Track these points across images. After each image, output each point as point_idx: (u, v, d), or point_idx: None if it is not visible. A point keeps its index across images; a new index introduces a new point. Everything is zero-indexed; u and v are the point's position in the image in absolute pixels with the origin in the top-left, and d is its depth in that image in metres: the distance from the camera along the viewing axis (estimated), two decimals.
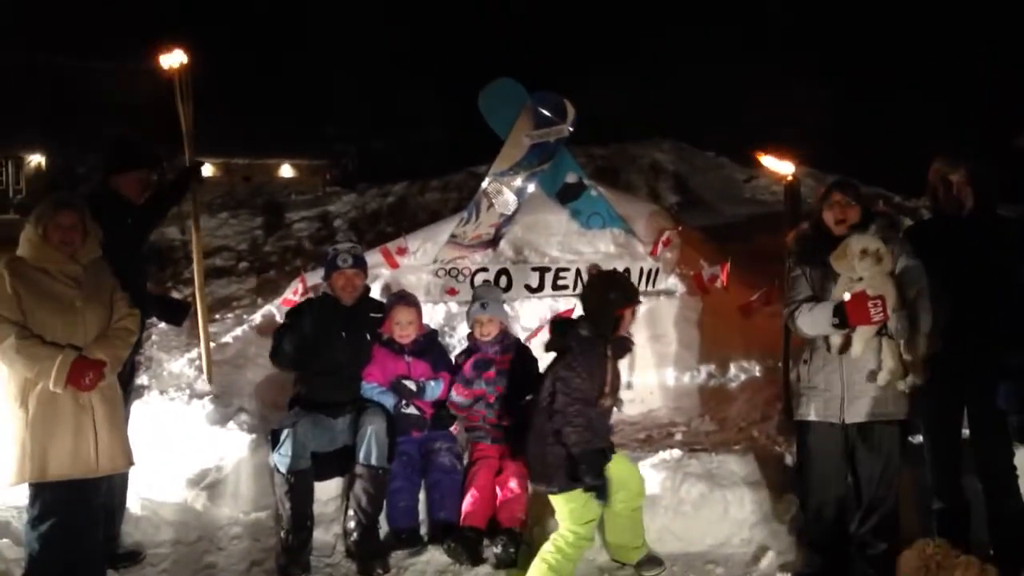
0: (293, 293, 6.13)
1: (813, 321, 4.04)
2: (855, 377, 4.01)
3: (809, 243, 4.19)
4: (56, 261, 3.93)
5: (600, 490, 3.93)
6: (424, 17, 28.30)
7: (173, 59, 5.65)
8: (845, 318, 3.90)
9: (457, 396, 5.00)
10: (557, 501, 4.05)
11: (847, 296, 3.90)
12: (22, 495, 4.34)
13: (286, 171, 34.95)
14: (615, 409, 4.34)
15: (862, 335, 3.90)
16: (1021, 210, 4.26)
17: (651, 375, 5.74)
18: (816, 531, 4.27)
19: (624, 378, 4.98)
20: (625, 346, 4.26)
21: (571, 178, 6.53)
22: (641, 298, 5.24)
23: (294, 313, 5.14)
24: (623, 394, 4.67)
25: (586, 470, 3.87)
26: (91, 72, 29.36)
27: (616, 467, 4.23)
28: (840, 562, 4.23)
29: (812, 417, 4.13)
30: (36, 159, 31.41)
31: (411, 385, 4.94)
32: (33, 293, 3.85)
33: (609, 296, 4.13)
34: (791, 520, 4.51)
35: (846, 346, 3.98)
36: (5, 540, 4.31)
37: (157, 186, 5.43)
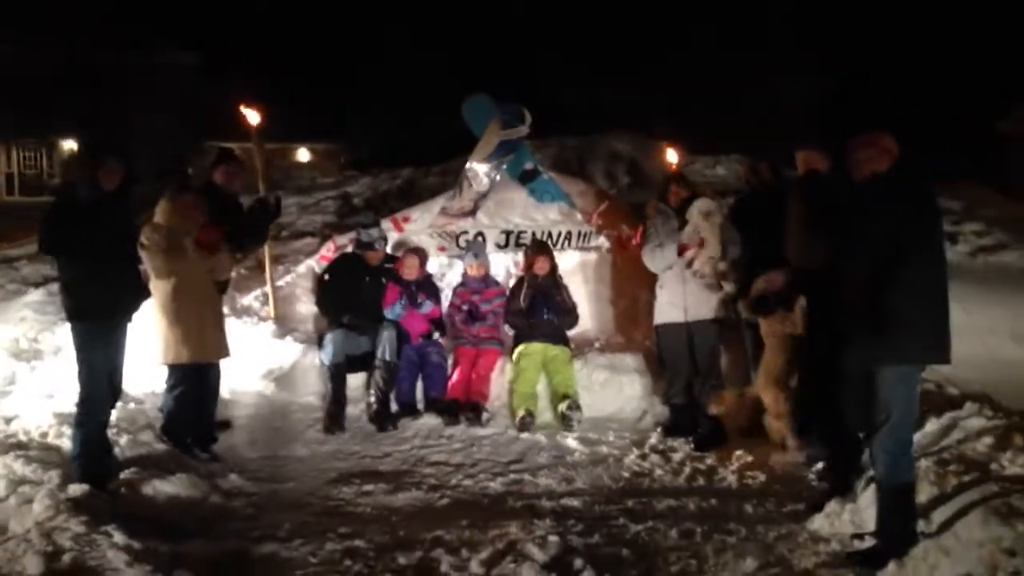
0: (327, 250, 8.25)
1: (661, 257, 6.31)
2: (690, 291, 6.26)
3: (660, 210, 6.46)
4: (181, 224, 5.91)
5: None
6: (434, 24, 30.43)
7: (254, 117, 7.64)
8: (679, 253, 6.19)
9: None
10: None
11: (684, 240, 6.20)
12: (152, 380, 6.55)
13: (303, 155, 36.64)
14: None
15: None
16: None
17: (583, 307, 7.75)
18: (673, 397, 6.52)
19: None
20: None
21: (528, 166, 8.44)
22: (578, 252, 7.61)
23: (329, 271, 7.38)
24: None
25: None
26: (122, 65, 31.05)
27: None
28: (690, 417, 6.47)
29: (665, 321, 6.39)
30: (69, 145, 32.78)
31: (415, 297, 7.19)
32: (167, 244, 5.84)
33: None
34: (662, 394, 6.75)
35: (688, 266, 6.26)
36: (147, 404, 6.49)
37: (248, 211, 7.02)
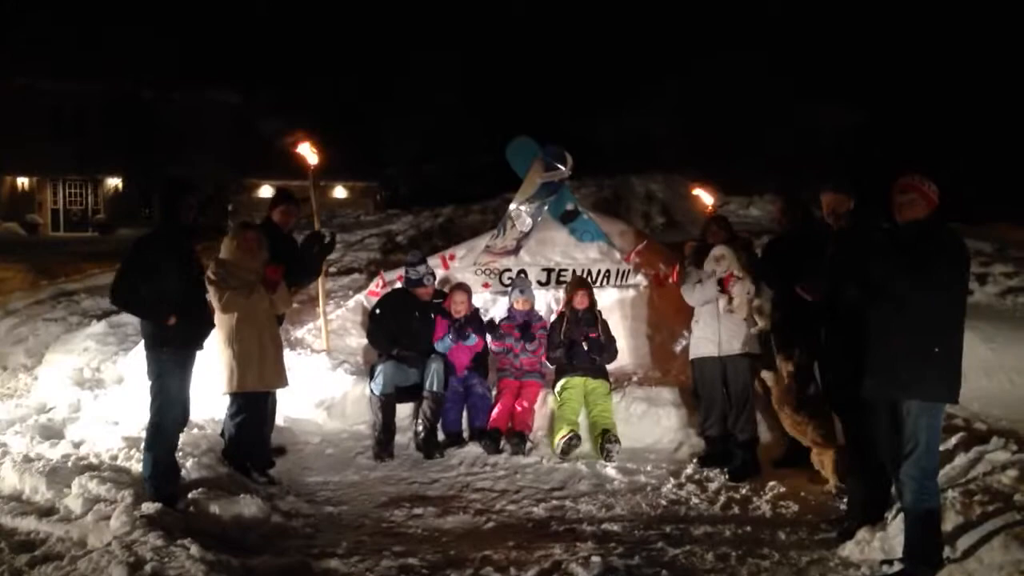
0: (375, 286, 8.67)
1: (701, 292, 6.62)
2: (724, 327, 6.55)
3: (698, 250, 6.79)
4: (244, 260, 6.33)
5: None
6: (474, 59, 31.15)
7: (312, 157, 8.16)
8: (722, 288, 6.48)
9: (494, 347, 7.68)
10: None
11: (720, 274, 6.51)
12: (212, 407, 6.92)
13: (339, 192, 37.25)
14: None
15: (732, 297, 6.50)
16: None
17: (622, 342, 8.02)
18: (708, 429, 6.78)
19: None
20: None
21: (570, 206, 8.85)
22: (617, 290, 7.94)
23: (379, 306, 7.74)
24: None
25: None
26: (164, 104, 31.97)
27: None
28: (724, 448, 6.72)
29: (701, 355, 6.68)
30: (114, 182, 33.84)
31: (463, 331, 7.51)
32: (232, 278, 6.26)
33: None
34: (697, 426, 7.02)
35: (728, 303, 6.53)
36: (210, 430, 6.86)
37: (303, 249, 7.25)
